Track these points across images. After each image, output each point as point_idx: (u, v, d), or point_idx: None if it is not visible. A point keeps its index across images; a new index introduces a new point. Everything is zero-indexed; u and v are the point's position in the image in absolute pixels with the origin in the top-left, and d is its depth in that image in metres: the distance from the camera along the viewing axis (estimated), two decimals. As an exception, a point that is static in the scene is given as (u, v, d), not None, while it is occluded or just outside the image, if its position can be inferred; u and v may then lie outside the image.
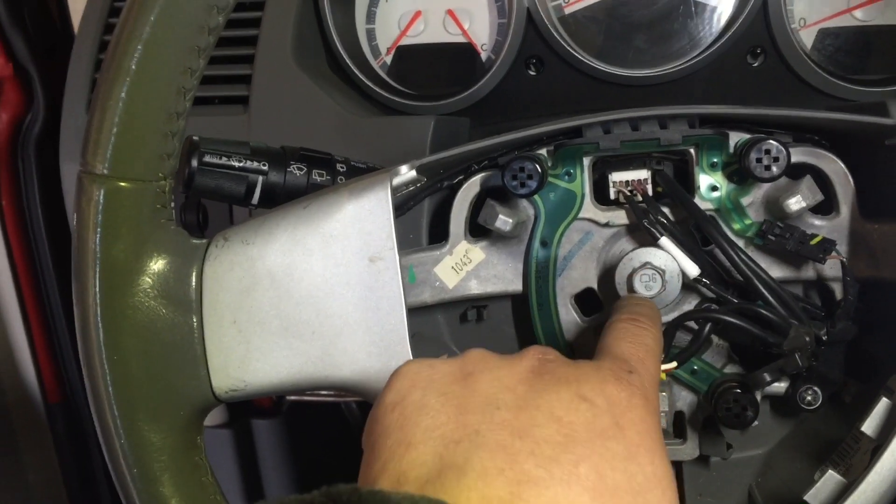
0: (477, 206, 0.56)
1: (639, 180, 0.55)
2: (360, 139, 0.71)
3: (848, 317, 0.52)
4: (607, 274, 0.56)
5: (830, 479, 0.49)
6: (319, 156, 0.57)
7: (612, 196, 0.55)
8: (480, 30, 0.79)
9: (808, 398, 0.53)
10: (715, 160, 0.54)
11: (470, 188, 0.56)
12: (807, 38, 0.74)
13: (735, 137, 0.53)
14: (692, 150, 0.54)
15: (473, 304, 0.60)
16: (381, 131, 0.71)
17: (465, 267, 0.57)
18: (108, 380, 0.45)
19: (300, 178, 0.56)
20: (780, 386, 0.55)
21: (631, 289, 0.53)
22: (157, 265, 0.47)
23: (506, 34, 0.75)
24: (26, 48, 0.90)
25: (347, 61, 0.77)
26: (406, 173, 0.51)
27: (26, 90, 0.92)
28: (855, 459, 0.49)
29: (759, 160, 0.50)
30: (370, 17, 0.81)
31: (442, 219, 0.58)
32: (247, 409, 1.03)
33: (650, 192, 0.55)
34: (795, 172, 0.52)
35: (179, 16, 0.43)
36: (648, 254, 0.54)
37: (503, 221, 0.54)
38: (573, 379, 0.36)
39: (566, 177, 0.55)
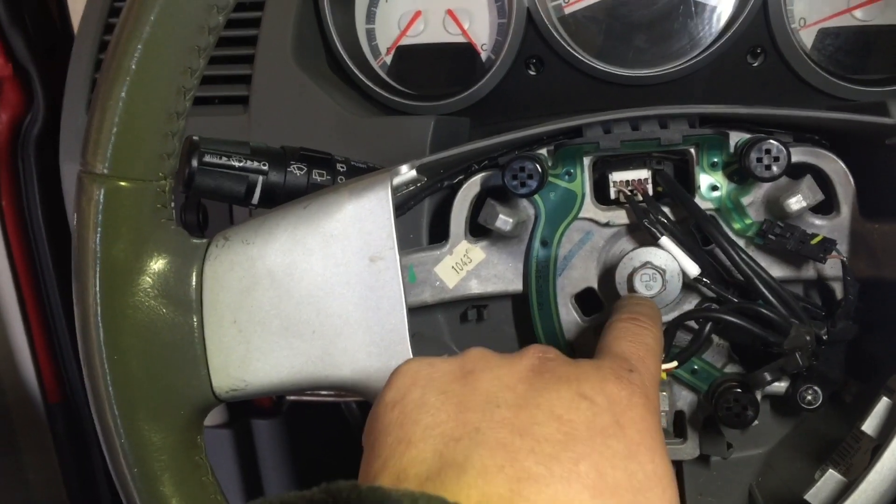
0: (477, 205, 0.56)
1: (639, 180, 0.55)
2: (360, 139, 0.71)
3: (848, 316, 0.52)
4: (608, 273, 0.56)
5: (831, 478, 0.49)
6: (319, 156, 0.57)
7: (613, 196, 0.55)
8: (480, 30, 0.79)
9: (809, 398, 0.53)
10: (715, 160, 0.54)
11: (470, 188, 0.56)
12: (807, 37, 0.74)
13: (735, 137, 0.53)
14: (692, 150, 0.54)
15: (474, 304, 0.60)
16: (381, 131, 0.71)
17: (466, 266, 0.57)
18: (108, 379, 0.45)
19: (300, 178, 0.56)
20: (781, 385, 0.55)
21: (631, 288, 0.53)
22: (158, 265, 0.47)
23: (506, 34, 0.75)
24: (26, 48, 0.90)
25: (347, 61, 0.77)
26: (406, 173, 0.51)
27: (26, 90, 0.92)
28: (855, 459, 0.49)
29: (759, 160, 0.50)
30: (370, 17, 0.81)
31: (442, 218, 0.58)
32: (247, 409, 1.03)
33: (650, 192, 0.55)
34: (796, 172, 0.52)
35: (179, 15, 0.43)
36: (649, 253, 0.54)
37: (503, 221, 0.54)
38: (573, 377, 0.36)
39: (566, 176, 0.55)
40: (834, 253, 0.51)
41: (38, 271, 0.96)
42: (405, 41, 0.80)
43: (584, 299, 0.57)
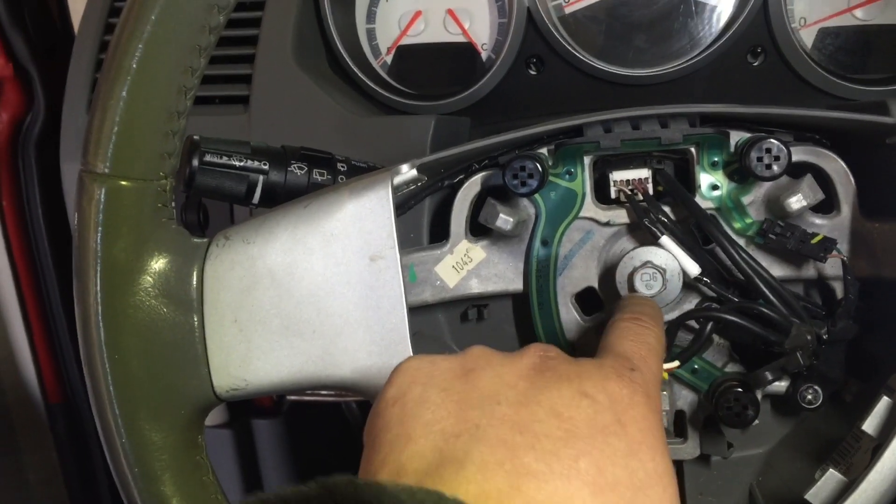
0: (478, 205, 0.56)
1: (639, 179, 0.55)
2: (361, 139, 0.71)
3: (848, 315, 0.52)
4: (608, 273, 0.56)
5: (831, 477, 0.49)
6: (320, 155, 0.57)
7: (613, 195, 0.55)
8: (481, 29, 0.79)
9: (809, 397, 0.53)
10: (716, 159, 0.54)
11: (471, 187, 0.56)
12: (807, 37, 0.74)
13: (736, 136, 0.53)
14: (693, 149, 0.54)
15: (474, 304, 0.60)
16: (381, 131, 0.71)
17: (466, 266, 0.57)
18: (108, 379, 0.45)
19: (301, 178, 0.56)
20: (781, 385, 0.55)
21: (632, 288, 0.53)
22: (158, 264, 0.47)
23: (506, 34, 0.75)
24: (26, 48, 0.90)
25: (348, 61, 0.77)
26: (407, 172, 0.51)
27: (26, 90, 0.92)
28: (856, 458, 0.49)
29: (759, 159, 0.50)
30: (370, 16, 0.81)
31: (443, 218, 0.58)
32: (247, 408, 1.03)
33: (651, 191, 0.55)
34: (796, 171, 0.52)
35: (180, 15, 0.43)
36: (649, 253, 0.54)
37: (504, 220, 0.54)
38: (575, 376, 0.36)
39: (567, 176, 0.55)
40: (834, 252, 0.51)
41: (38, 271, 0.96)
42: (405, 41, 0.80)
43: (585, 299, 0.57)
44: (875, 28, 0.73)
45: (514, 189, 0.52)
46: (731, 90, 0.74)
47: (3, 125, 0.92)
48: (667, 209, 0.54)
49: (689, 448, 0.57)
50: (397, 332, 0.48)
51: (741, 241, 0.54)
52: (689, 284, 0.54)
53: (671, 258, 0.53)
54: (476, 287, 0.57)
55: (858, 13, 0.73)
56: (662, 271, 0.53)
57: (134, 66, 0.43)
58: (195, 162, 0.53)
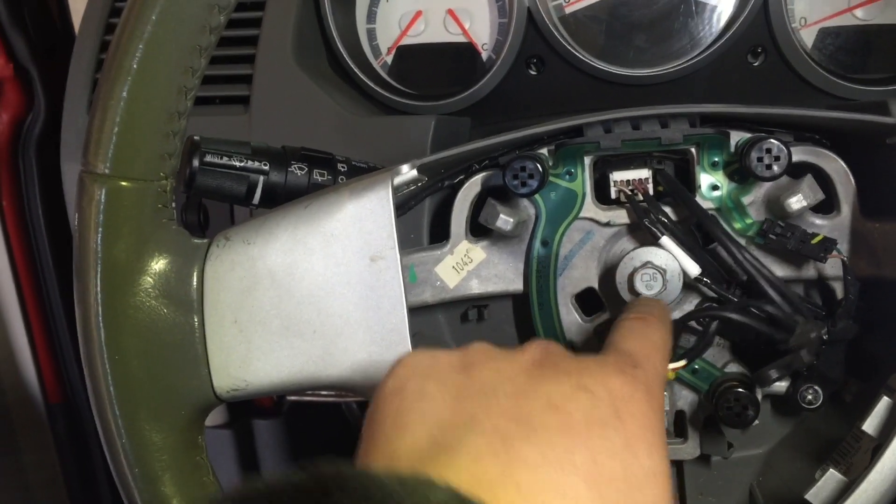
0: (478, 205, 0.56)
1: (640, 179, 0.55)
2: (361, 139, 0.71)
3: (849, 316, 0.52)
4: (608, 273, 0.56)
5: (831, 478, 0.49)
6: (320, 155, 0.57)
7: (613, 195, 0.55)
8: (481, 29, 0.79)
9: (809, 397, 0.53)
10: (716, 159, 0.54)
11: (471, 188, 0.56)
12: (807, 37, 0.74)
13: (736, 136, 0.53)
14: (693, 150, 0.54)
15: (474, 304, 0.60)
16: (381, 131, 0.71)
17: (466, 266, 0.57)
18: (109, 379, 0.45)
19: (301, 178, 0.56)
20: (781, 385, 0.55)
21: (632, 288, 0.53)
22: (159, 265, 0.47)
23: (506, 34, 0.75)
24: (27, 48, 0.90)
25: (348, 61, 0.77)
26: (407, 173, 0.51)
27: (27, 90, 0.92)
28: (856, 458, 0.49)
29: (760, 159, 0.50)
30: (371, 16, 0.81)
31: (443, 218, 0.58)
32: (247, 409, 1.03)
33: (651, 192, 0.55)
34: (796, 171, 0.52)
35: (180, 15, 0.43)
36: (649, 253, 0.54)
37: (504, 221, 0.54)
38: (575, 370, 0.36)
39: (567, 176, 0.55)
40: (834, 252, 0.51)
41: (38, 271, 0.96)
42: (406, 41, 0.80)
43: (585, 299, 0.57)
44: (875, 28, 0.73)
45: (515, 189, 0.52)
46: (732, 90, 0.74)
47: (3, 125, 0.92)
48: (667, 209, 0.54)
49: (689, 448, 0.57)
50: (397, 333, 0.48)
51: (741, 242, 0.54)
52: (689, 285, 0.54)
53: (671, 258, 0.53)
54: (476, 287, 0.57)
55: (858, 13, 0.73)
56: (663, 272, 0.53)
57: (134, 66, 0.43)
58: (195, 162, 0.53)
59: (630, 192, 0.55)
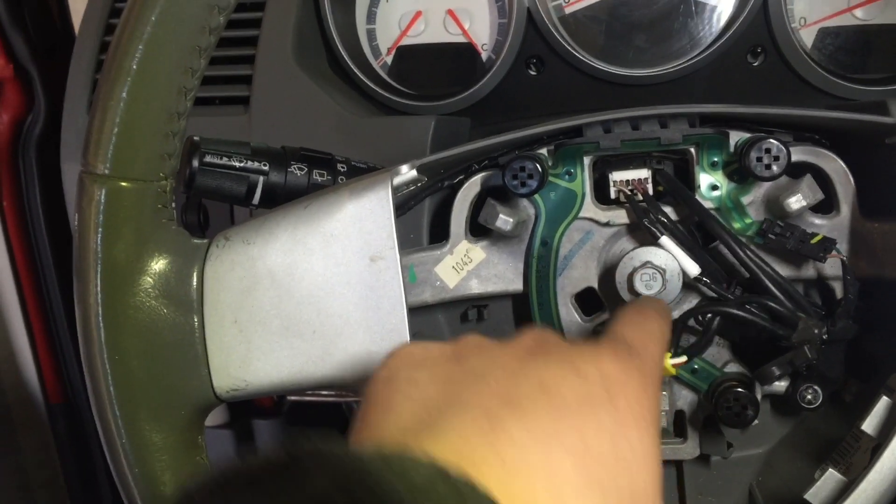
0: (477, 205, 0.56)
1: (639, 179, 0.55)
2: (361, 139, 0.71)
3: (848, 315, 0.52)
4: (608, 273, 0.56)
5: (831, 477, 0.49)
6: (320, 156, 0.57)
7: (613, 195, 0.55)
8: (481, 30, 0.79)
9: (809, 397, 0.53)
10: (715, 159, 0.54)
11: (470, 188, 0.56)
12: (807, 37, 0.74)
13: (735, 136, 0.53)
14: (692, 150, 0.54)
15: (474, 304, 0.60)
16: (381, 131, 0.71)
17: (466, 266, 0.57)
18: (109, 380, 0.45)
19: (301, 178, 0.56)
20: (781, 385, 0.55)
21: (631, 288, 0.53)
22: (159, 265, 0.47)
23: (506, 34, 0.75)
24: (27, 49, 0.90)
25: (348, 61, 0.77)
26: (407, 173, 0.51)
27: (27, 91, 0.92)
28: (855, 458, 0.49)
29: (759, 159, 0.50)
30: (370, 17, 0.81)
31: (442, 218, 0.58)
32: (248, 409, 1.03)
33: (651, 192, 0.55)
34: (796, 171, 0.52)
35: (180, 16, 0.43)
36: (649, 253, 0.54)
37: (504, 221, 0.54)
38: (568, 355, 0.35)
39: (566, 176, 0.55)
40: (834, 252, 0.52)
41: (39, 272, 0.96)
42: (406, 41, 0.80)
43: (585, 299, 0.57)
44: (875, 28, 0.73)
45: (514, 189, 0.52)
46: (731, 90, 0.74)
47: (3, 126, 0.92)
48: (667, 209, 0.54)
49: (689, 448, 0.57)
50: (397, 333, 0.48)
51: (742, 240, 0.54)
52: (688, 284, 0.54)
53: (671, 258, 0.53)
54: (476, 287, 0.57)
55: (858, 13, 0.73)
56: (662, 271, 0.53)
57: (134, 66, 0.43)
58: (195, 163, 0.53)
59: (629, 192, 0.55)
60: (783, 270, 0.54)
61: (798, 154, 0.53)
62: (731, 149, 0.53)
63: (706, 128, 0.54)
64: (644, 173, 0.55)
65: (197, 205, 0.74)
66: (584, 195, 0.55)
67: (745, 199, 0.54)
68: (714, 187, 0.54)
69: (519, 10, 0.73)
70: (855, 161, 0.53)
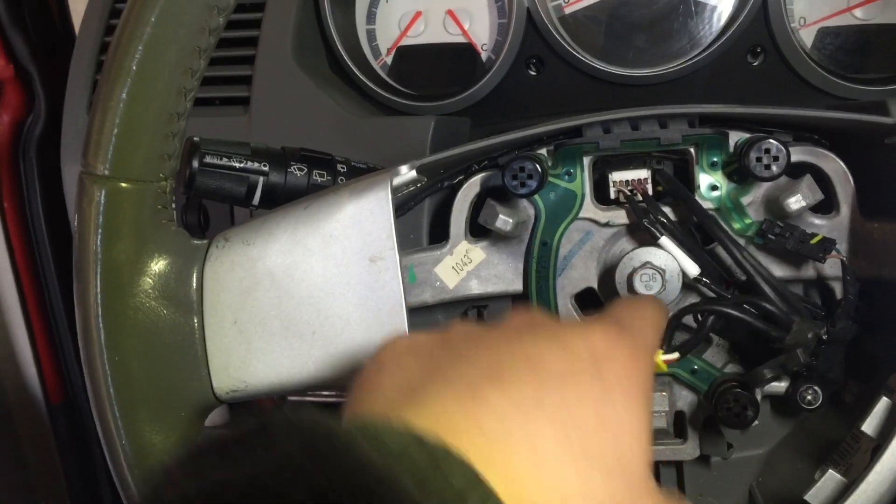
0: (477, 206, 0.56)
1: (639, 180, 0.55)
2: (361, 139, 0.71)
3: (848, 316, 0.52)
4: (608, 273, 0.56)
5: (831, 478, 0.49)
6: (320, 156, 0.57)
7: (613, 196, 0.55)
8: (480, 30, 0.79)
9: (809, 398, 0.53)
10: (715, 159, 0.54)
11: (470, 188, 0.56)
12: (807, 37, 0.74)
13: (735, 137, 0.53)
14: (692, 150, 0.54)
15: (474, 304, 0.60)
16: (381, 131, 0.71)
17: (466, 267, 0.57)
18: (109, 381, 0.45)
19: (301, 179, 0.56)
20: (781, 385, 0.55)
21: (631, 288, 0.53)
22: (158, 266, 0.47)
23: (506, 34, 0.75)
24: (27, 49, 0.90)
25: (348, 62, 0.77)
26: (406, 173, 0.51)
27: (27, 91, 0.92)
28: (855, 459, 0.49)
29: (759, 159, 0.50)
30: (370, 17, 0.81)
31: (442, 219, 0.58)
32: (248, 409, 1.03)
33: (650, 192, 0.55)
34: (795, 171, 0.52)
35: (180, 17, 0.43)
36: (648, 253, 0.54)
37: (503, 221, 0.54)
38: (555, 331, 0.35)
39: (566, 176, 0.55)
40: (833, 252, 0.51)
41: (39, 272, 0.96)
42: (405, 41, 0.80)
43: (585, 299, 0.57)
44: (875, 28, 0.73)
45: (514, 190, 0.52)
46: (731, 90, 0.74)
47: (4, 126, 0.92)
48: (666, 210, 0.54)
49: (689, 449, 0.57)
50: (397, 334, 0.48)
51: (741, 242, 0.54)
52: (688, 285, 0.54)
53: (670, 259, 0.53)
54: (476, 288, 0.57)
55: (858, 13, 0.73)
56: (662, 272, 0.53)
57: (134, 67, 0.43)
58: (195, 163, 0.53)
59: (629, 193, 0.55)
60: (783, 271, 0.54)
61: (798, 154, 0.53)
62: (731, 149, 0.53)
63: (706, 128, 0.54)
64: (644, 173, 0.55)
65: (197, 205, 0.74)
66: (583, 195, 0.55)
67: (745, 200, 0.54)
68: (714, 187, 0.54)
69: (519, 11, 0.73)
70: (855, 161, 0.53)
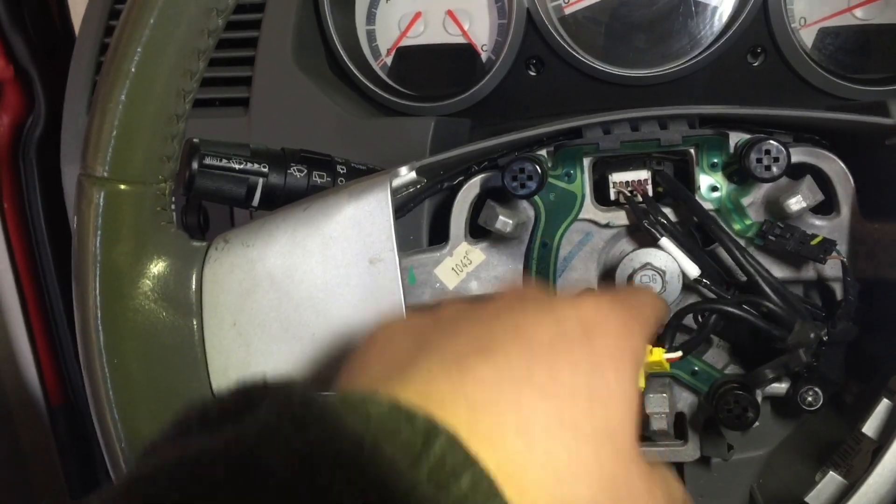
0: (477, 207, 0.56)
1: (639, 181, 0.55)
2: (361, 140, 0.71)
3: (848, 317, 0.52)
4: (608, 275, 0.56)
5: (831, 480, 0.49)
6: (320, 157, 0.57)
7: (613, 197, 0.55)
8: (480, 30, 0.79)
9: (809, 399, 0.53)
10: (715, 160, 0.54)
11: (470, 189, 0.56)
12: (807, 37, 0.74)
13: (735, 137, 0.53)
14: (692, 151, 0.54)
15: (474, 305, 0.60)
16: (381, 132, 0.71)
17: (466, 268, 0.57)
18: (108, 383, 0.45)
19: (300, 180, 0.56)
20: (781, 387, 0.54)
21: (631, 290, 0.53)
22: (158, 268, 0.47)
23: (506, 35, 0.75)
24: (27, 50, 0.90)
25: (348, 63, 0.77)
26: (406, 175, 0.51)
27: (27, 92, 0.92)
28: (856, 461, 0.49)
29: (759, 160, 0.50)
30: (370, 18, 0.81)
31: (442, 220, 0.58)
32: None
33: (650, 193, 0.55)
34: (796, 172, 0.52)
35: (179, 18, 0.43)
36: (649, 254, 0.54)
37: (503, 222, 0.53)
38: (546, 303, 0.35)
39: (566, 177, 0.55)
40: (834, 254, 0.51)
41: (39, 274, 0.96)
42: (405, 42, 0.80)
43: (585, 300, 0.57)
44: (875, 28, 0.73)
45: (514, 191, 0.52)
46: (731, 90, 0.74)
47: (3, 128, 0.92)
48: (666, 211, 0.54)
49: (690, 450, 0.57)
50: (396, 335, 0.48)
51: (741, 243, 0.54)
52: (688, 286, 0.54)
53: (671, 260, 0.53)
54: (476, 289, 0.57)
55: (858, 13, 0.73)
56: (662, 273, 0.53)
57: (133, 69, 0.43)
58: (195, 165, 0.53)
59: (629, 194, 0.54)
60: (783, 272, 0.54)
61: (798, 155, 0.53)
62: (731, 150, 0.53)
63: (706, 129, 0.54)
64: (644, 174, 0.55)
65: (197, 207, 0.74)
66: (583, 196, 0.55)
67: (745, 201, 0.54)
68: (714, 188, 0.54)
69: (519, 11, 0.73)
70: (855, 162, 0.53)
